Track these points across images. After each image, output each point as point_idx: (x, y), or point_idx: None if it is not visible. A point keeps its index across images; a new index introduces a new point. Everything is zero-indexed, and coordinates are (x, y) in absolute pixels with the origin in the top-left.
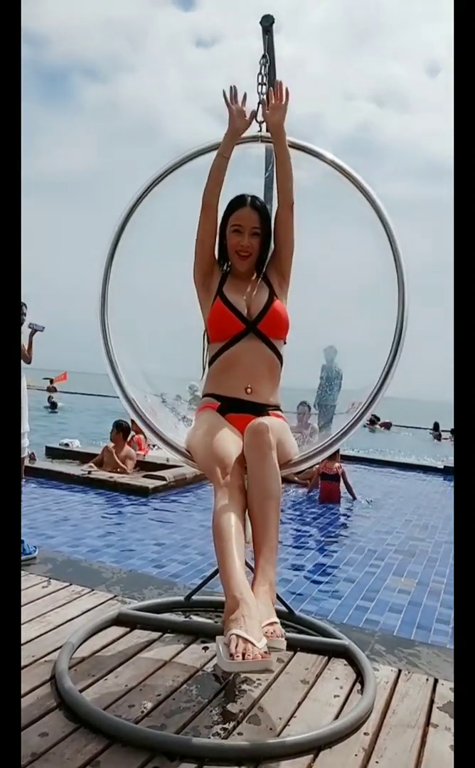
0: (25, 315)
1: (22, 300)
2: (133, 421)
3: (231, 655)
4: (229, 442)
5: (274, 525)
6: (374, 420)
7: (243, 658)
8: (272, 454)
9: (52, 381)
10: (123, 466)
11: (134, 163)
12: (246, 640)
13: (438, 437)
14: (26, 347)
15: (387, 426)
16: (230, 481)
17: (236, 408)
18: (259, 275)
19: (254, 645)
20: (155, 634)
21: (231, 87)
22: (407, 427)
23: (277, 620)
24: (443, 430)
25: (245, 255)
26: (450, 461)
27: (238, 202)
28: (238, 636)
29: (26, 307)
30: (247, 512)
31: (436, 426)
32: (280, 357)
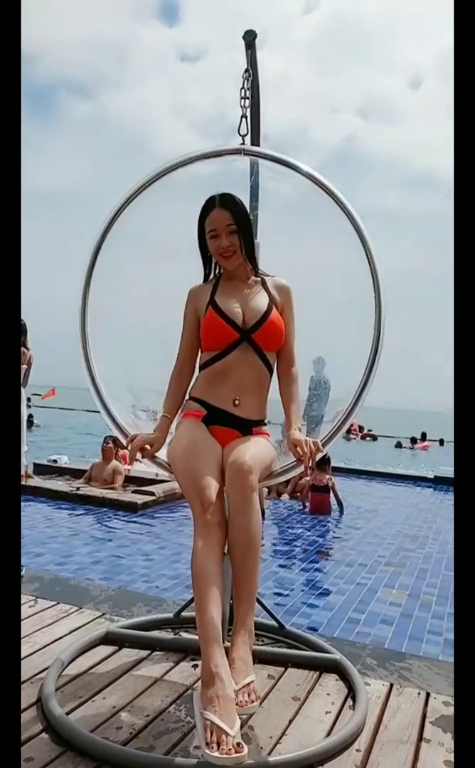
0: (25, 334)
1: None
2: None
3: (207, 743)
4: (209, 468)
5: (255, 572)
6: (349, 429)
7: (218, 748)
8: (254, 497)
9: (29, 400)
10: (111, 481)
11: (123, 177)
12: (220, 729)
13: (398, 445)
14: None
15: (373, 437)
16: (211, 519)
17: (222, 421)
18: (254, 271)
19: (227, 734)
20: (144, 653)
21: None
22: (389, 437)
23: (253, 678)
24: (403, 437)
25: (228, 255)
26: (441, 471)
27: (207, 207)
28: (212, 723)
29: (26, 327)
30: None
31: (423, 436)
32: (270, 369)
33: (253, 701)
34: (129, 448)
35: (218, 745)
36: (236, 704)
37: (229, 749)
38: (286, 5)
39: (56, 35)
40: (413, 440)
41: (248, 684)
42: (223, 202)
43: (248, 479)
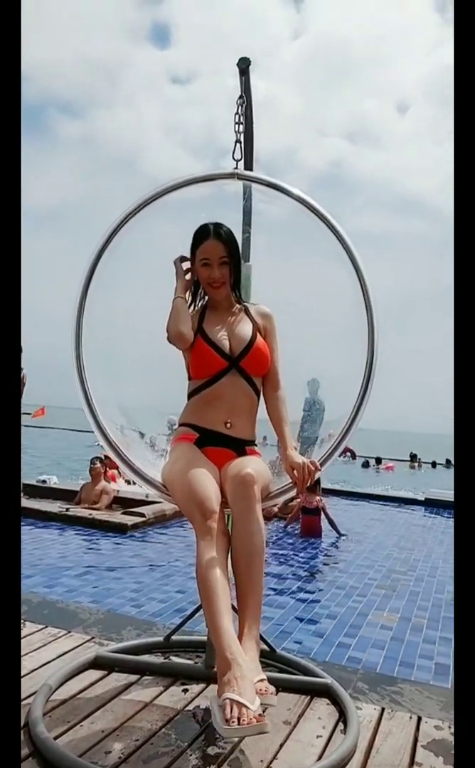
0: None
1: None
2: (108, 456)
3: (227, 720)
4: (208, 481)
5: (259, 581)
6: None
7: (239, 723)
8: (258, 508)
9: None
10: (96, 501)
11: (113, 197)
12: (240, 704)
13: (366, 465)
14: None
15: (352, 454)
16: (213, 529)
17: (215, 441)
18: (238, 301)
19: (248, 708)
20: (134, 677)
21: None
22: (373, 457)
23: (264, 677)
24: (368, 457)
25: (217, 285)
26: (431, 493)
27: (202, 235)
28: (232, 700)
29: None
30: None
31: (413, 457)
32: (258, 393)
33: (271, 692)
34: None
35: (239, 720)
36: (257, 691)
37: (250, 720)
38: (274, 30)
39: (47, 55)
40: (378, 460)
41: (262, 680)
42: (218, 233)
43: (252, 489)
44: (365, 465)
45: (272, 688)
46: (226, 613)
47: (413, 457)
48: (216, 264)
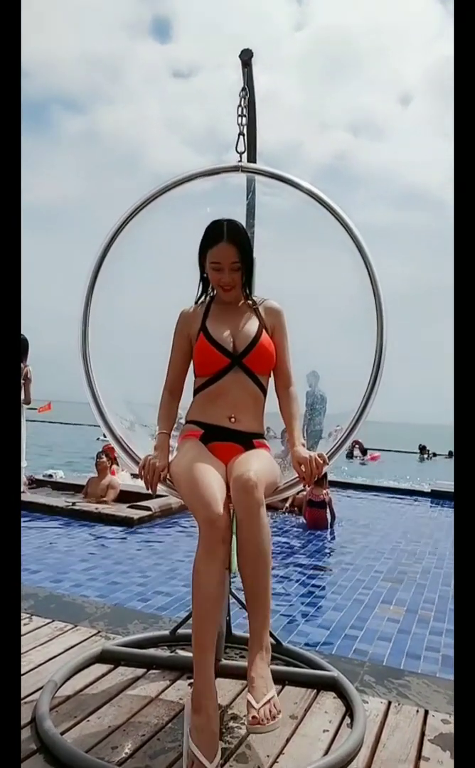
0: (26, 350)
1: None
2: (111, 450)
3: None
4: (213, 477)
5: (267, 588)
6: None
7: None
8: (262, 511)
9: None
10: (103, 495)
11: (116, 192)
12: (200, 763)
13: (349, 455)
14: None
15: (360, 447)
16: (217, 535)
17: (220, 436)
18: (247, 298)
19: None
20: (140, 671)
21: None
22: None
23: (274, 693)
24: (358, 445)
25: (228, 289)
26: (437, 485)
27: (214, 237)
28: (193, 754)
29: (27, 342)
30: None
31: (422, 448)
32: (264, 391)
33: (274, 717)
34: (146, 477)
35: None
36: (258, 723)
37: None
38: (277, 22)
39: (49, 51)
40: (364, 451)
41: (269, 700)
42: (231, 235)
43: (254, 495)
44: (349, 456)
45: (278, 709)
46: (213, 638)
47: (422, 449)
48: (227, 269)
